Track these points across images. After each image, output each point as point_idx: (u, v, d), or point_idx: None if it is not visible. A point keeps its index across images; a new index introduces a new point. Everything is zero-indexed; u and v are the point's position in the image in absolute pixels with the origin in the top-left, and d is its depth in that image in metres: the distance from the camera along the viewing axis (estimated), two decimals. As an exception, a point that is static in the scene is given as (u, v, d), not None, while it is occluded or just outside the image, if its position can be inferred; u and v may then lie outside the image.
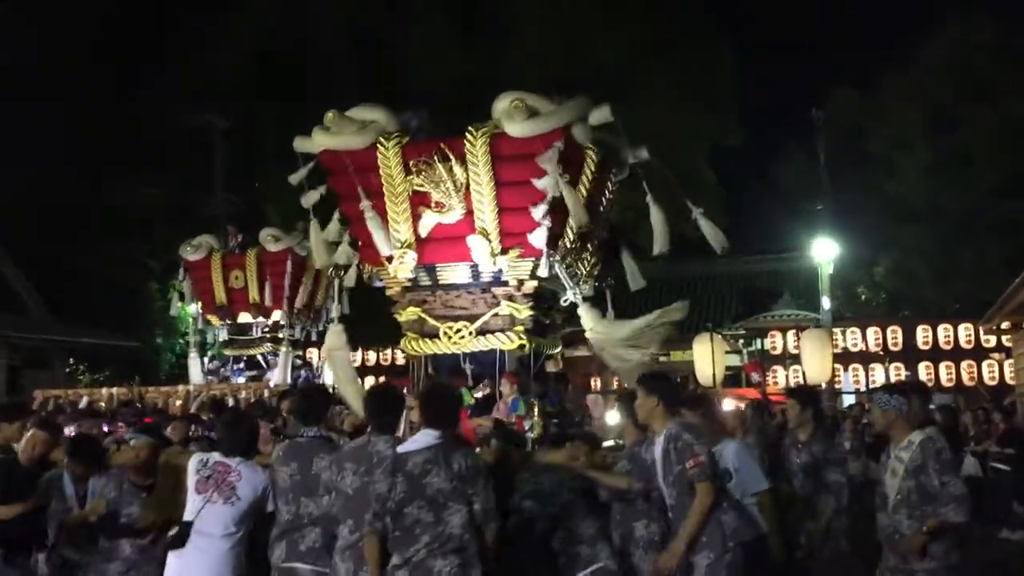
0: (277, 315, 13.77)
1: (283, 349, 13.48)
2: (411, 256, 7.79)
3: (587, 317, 7.79)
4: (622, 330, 7.78)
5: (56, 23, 21.65)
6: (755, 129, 26.74)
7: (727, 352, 22.92)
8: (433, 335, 8.22)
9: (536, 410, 7.78)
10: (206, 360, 14.94)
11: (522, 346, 8.08)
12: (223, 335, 14.05)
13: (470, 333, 8.10)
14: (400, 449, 4.62)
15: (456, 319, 8.17)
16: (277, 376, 13.38)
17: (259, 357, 13.87)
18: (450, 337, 8.14)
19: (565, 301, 8.00)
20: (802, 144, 25.39)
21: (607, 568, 5.09)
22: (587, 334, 7.83)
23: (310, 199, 7.94)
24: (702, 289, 25.11)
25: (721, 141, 26.43)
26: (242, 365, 14.12)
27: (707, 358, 15.47)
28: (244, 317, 13.80)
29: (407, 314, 8.38)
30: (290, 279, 13.53)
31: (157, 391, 13.60)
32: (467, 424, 7.46)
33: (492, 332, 8.09)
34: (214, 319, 13.96)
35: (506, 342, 8.04)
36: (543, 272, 7.55)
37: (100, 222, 20.81)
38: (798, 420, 6.32)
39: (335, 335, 8.28)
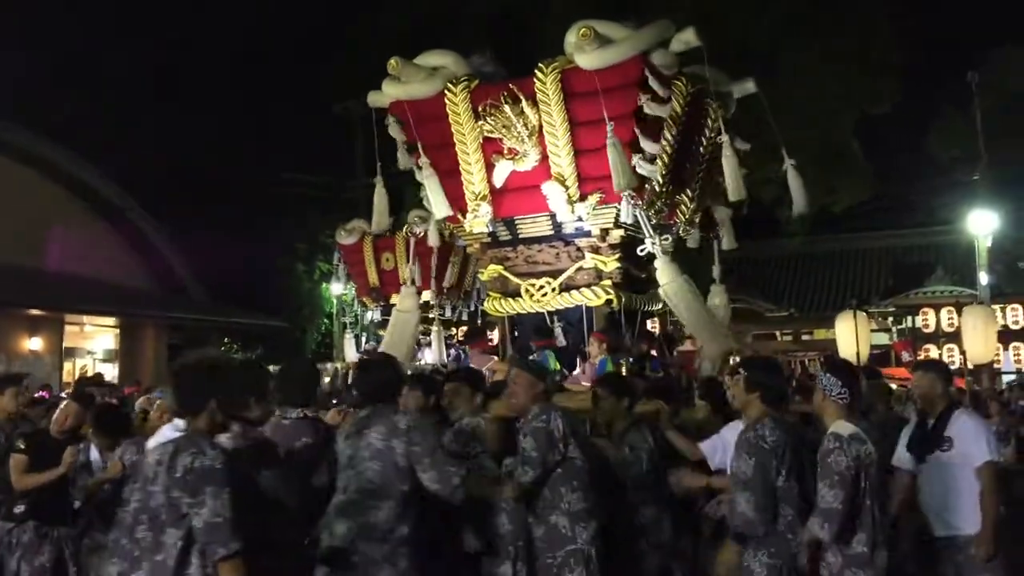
0: (427, 295, 13.61)
1: (434, 329, 13.33)
2: (485, 209, 7.15)
3: (664, 272, 6.94)
4: (697, 315, 6.97)
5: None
6: (909, 95, 24.42)
7: (874, 331, 21.30)
8: (515, 294, 7.57)
9: (625, 371, 7.02)
10: (363, 340, 14.97)
11: (609, 302, 7.29)
12: (377, 316, 13.92)
13: (553, 290, 7.41)
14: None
15: (539, 275, 7.50)
16: (431, 355, 13.23)
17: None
18: (532, 295, 7.47)
19: (642, 251, 7.10)
20: (959, 110, 23.07)
21: (583, 552, 4.21)
22: (662, 289, 6.97)
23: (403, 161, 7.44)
24: (849, 264, 23.45)
25: (871, 110, 24.37)
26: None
27: (850, 336, 14.27)
28: (396, 298, 13.68)
29: (489, 272, 7.79)
30: (437, 259, 13.31)
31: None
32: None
33: (577, 288, 7.36)
34: (368, 301, 13.96)
35: (592, 298, 7.29)
36: (625, 219, 6.72)
37: (253, 205, 21.27)
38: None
39: (408, 297, 7.78)
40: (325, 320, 22.17)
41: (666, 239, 7.11)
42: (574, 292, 7.35)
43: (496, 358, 8.27)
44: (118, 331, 19.16)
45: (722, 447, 4.79)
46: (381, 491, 3.87)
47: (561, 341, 7.58)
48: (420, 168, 7.18)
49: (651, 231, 6.83)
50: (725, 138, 6.66)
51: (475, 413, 4.82)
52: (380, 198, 7.72)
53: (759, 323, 22.64)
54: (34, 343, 16.91)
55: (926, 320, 20.51)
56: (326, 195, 22.14)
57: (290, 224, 21.80)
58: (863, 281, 23.12)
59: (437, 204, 7.15)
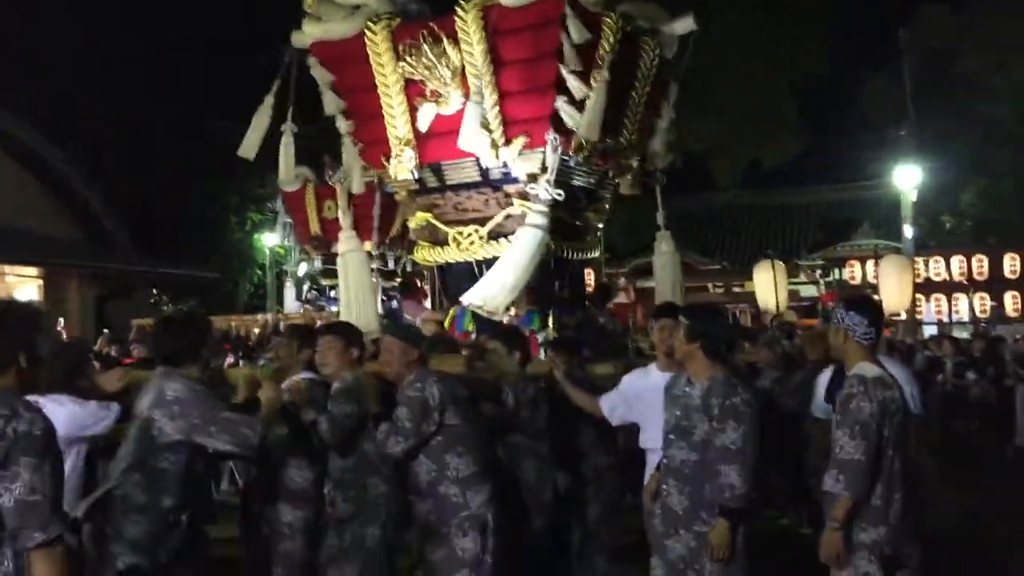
0: (368, 246, 13.22)
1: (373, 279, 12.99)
2: (409, 154, 6.81)
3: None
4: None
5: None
6: (839, 52, 24.50)
7: (803, 283, 21.54)
8: (444, 242, 7.27)
9: (553, 324, 6.80)
10: (304, 289, 14.59)
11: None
12: (319, 264, 13.54)
13: (480, 238, 7.10)
14: None
15: (467, 223, 7.19)
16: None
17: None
18: (459, 243, 7.17)
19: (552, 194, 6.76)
20: (887, 67, 23.21)
21: (478, 518, 3.95)
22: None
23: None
24: (779, 218, 23.61)
25: (805, 69, 24.43)
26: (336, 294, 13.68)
27: (769, 286, 14.47)
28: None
29: (417, 220, 7.47)
30: (379, 209, 12.89)
31: (239, 320, 13.64)
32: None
33: (506, 235, 7.06)
34: (310, 249, 13.55)
35: (520, 247, 7.00)
36: (551, 165, 6.43)
37: (178, 155, 20.43)
38: None
39: (349, 239, 7.44)
40: (258, 271, 21.60)
41: (622, 180, 6.84)
42: (502, 240, 7.05)
43: (430, 309, 8.00)
44: (41, 282, 18.38)
45: (621, 402, 4.51)
46: (135, 466, 3.45)
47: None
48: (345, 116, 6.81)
49: (552, 176, 6.46)
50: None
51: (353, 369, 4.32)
52: (286, 148, 7.27)
53: (691, 276, 22.63)
54: (-58, 293, 16.11)
55: (852, 273, 20.81)
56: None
57: (217, 174, 21.00)
58: (792, 234, 23.32)
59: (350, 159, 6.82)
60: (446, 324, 7.09)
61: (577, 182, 7.20)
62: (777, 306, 14.03)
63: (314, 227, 13.33)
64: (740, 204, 24.24)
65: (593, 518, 4.82)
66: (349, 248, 7.58)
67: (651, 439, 4.17)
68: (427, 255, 7.41)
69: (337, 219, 12.88)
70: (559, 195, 6.33)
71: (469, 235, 7.13)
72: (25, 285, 18.42)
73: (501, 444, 4.45)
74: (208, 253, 20.39)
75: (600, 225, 8.03)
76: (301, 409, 4.08)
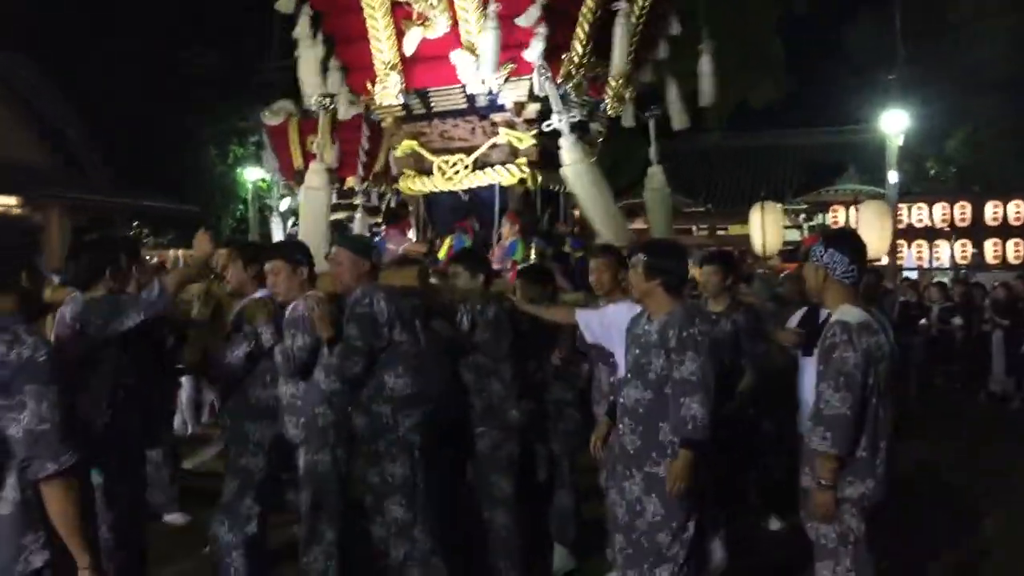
0: (351, 181, 12.96)
1: (357, 216, 12.76)
2: (395, 79, 6.62)
3: (569, 152, 6.46)
4: (595, 202, 6.58)
5: None
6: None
7: (786, 227, 21.43)
8: (429, 171, 7.11)
9: (535, 255, 6.67)
10: (288, 225, 14.31)
11: (524, 180, 6.88)
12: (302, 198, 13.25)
13: (466, 167, 6.96)
14: None
15: (453, 152, 7.02)
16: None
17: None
18: (444, 172, 7.01)
19: (548, 126, 6.61)
20: (877, 11, 22.87)
21: (406, 441, 3.81)
22: (562, 170, 6.55)
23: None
24: (764, 161, 23.37)
25: (791, 8, 24.02)
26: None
27: (760, 229, 14.41)
28: None
29: (403, 148, 7.29)
30: (367, 144, 12.58)
31: (221, 254, 13.37)
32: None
33: (491, 165, 6.92)
34: (294, 184, 13.23)
35: (506, 176, 6.87)
36: (539, 92, 6.26)
37: (161, 89, 19.93)
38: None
39: (317, 173, 7.21)
40: (240, 206, 21.26)
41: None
42: (488, 170, 6.93)
43: (412, 239, 7.85)
44: (19, 211, 18.00)
45: (599, 322, 4.17)
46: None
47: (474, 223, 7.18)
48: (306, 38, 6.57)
49: (559, 104, 6.32)
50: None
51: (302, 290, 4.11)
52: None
53: (676, 218, 22.55)
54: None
55: (835, 217, 20.64)
56: (236, 76, 20.71)
57: (195, 107, 20.52)
58: (777, 178, 23.09)
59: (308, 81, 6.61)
60: (441, 254, 6.93)
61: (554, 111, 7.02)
62: (764, 248, 13.99)
63: (297, 162, 12.99)
64: (726, 146, 23.95)
65: (556, 452, 4.68)
66: (312, 184, 7.35)
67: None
68: (412, 184, 7.26)
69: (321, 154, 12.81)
70: (560, 120, 6.16)
71: (455, 164, 6.98)
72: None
73: (464, 365, 4.29)
74: (189, 187, 20.00)
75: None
76: (260, 327, 3.97)
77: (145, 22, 20.35)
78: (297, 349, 3.85)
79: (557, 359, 4.68)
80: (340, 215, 13.19)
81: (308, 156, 12.92)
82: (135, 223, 20.10)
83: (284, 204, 14.43)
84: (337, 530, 3.89)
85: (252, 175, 19.48)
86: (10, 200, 17.61)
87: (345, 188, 12.92)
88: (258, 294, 4.16)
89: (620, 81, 7.06)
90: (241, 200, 21.02)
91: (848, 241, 3.36)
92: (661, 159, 8.26)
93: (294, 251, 4.19)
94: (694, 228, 23.45)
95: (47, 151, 18.93)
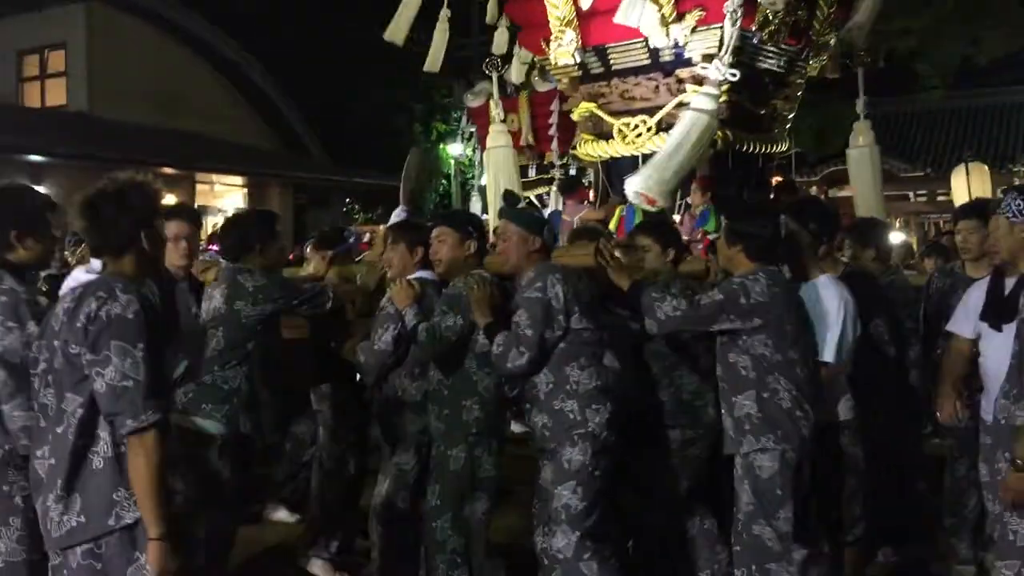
0: (551, 156, 12.72)
1: (553, 189, 12.48)
2: (571, 36, 6.02)
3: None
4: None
5: None
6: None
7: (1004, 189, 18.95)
8: (609, 136, 6.47)
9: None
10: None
11: (714, 143, 6.10)
12: None
13: (649, 129, 6.26)
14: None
15: (635, 113, 6.35)
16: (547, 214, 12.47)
17: (533, 198, 12.76)
18: (624, 136, 6.35)
19: (734, 76, 5.65)
20: None
21: (593, 434, 3.20)
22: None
23: None
24: (993, 120, 20.85)
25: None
26: (523, 205, 13.25)
27: (963, 192, 12.89)
28: (521, 160, 12.89)
29: (580, 111, 6.69)
30: (559, 118, 12.23)
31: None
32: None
33: (676, 127, 6.18)
34: None
35: (693, 139, 6.10)
36: (730, 42, 5.44)
37: (366, 68, 20.41)
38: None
39: (500, 133, 6.89)
40: (443, 181, 21.44)
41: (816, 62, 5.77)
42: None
43: (589, 208, 7.29)
44: (246, 190, 19.09)
45: None
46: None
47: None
48: None
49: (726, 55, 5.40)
50: None
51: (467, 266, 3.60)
52: (440, 35, 6.95)
53: (892, 183, 20.51)
54: (168, 200, 16.96)
55: (1076, 180, 18.05)
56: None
57: (399, 84, 20.83)
58: (1008, 138, 20.50)
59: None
60: (612, 225, 6.36)
61: (762, 64, 6.17)
62: (964, 214, 12.41)
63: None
64: (947, 107, 21.53)
65: None
66: (498, 143, 6.98)
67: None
68: (590, 150, 6.66)
69: (518, 132, 12.51)
70: (733, 75, 5.33)
71: (636, 127, 6.31)
72: (231, 193, 19.23)
73: (649, 355, 3.63)
74: (393, 163, 20.39)
75: (790, 116, 6.93)
76: (404, 311, 3.48)
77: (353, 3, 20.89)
78: (445, 328, 3.38)
79: None
80: (541, 190, 12.91)
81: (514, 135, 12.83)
82: (347, 199, 20.77)
83: (484, 180, 14.32)
84: (464, 536, 3.43)
85: (454, 151, 19.56)
86: (236, 180, 18.74)
87: (545, 163, 12.65)
88: (417, 275, 3.70)
89: (822, 26, 6.12)
90: (444, 176, 21.20)
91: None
92: (874, 121, 7.23)
93: (464, 221, 3.74)
94: (911, 195, 21.31)
95: (269, 134, 20.01)
